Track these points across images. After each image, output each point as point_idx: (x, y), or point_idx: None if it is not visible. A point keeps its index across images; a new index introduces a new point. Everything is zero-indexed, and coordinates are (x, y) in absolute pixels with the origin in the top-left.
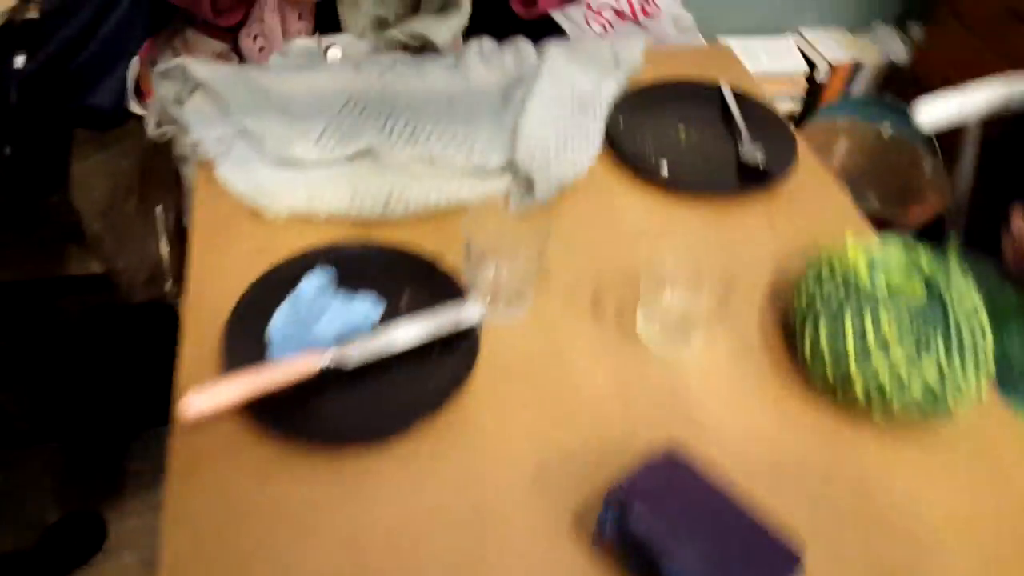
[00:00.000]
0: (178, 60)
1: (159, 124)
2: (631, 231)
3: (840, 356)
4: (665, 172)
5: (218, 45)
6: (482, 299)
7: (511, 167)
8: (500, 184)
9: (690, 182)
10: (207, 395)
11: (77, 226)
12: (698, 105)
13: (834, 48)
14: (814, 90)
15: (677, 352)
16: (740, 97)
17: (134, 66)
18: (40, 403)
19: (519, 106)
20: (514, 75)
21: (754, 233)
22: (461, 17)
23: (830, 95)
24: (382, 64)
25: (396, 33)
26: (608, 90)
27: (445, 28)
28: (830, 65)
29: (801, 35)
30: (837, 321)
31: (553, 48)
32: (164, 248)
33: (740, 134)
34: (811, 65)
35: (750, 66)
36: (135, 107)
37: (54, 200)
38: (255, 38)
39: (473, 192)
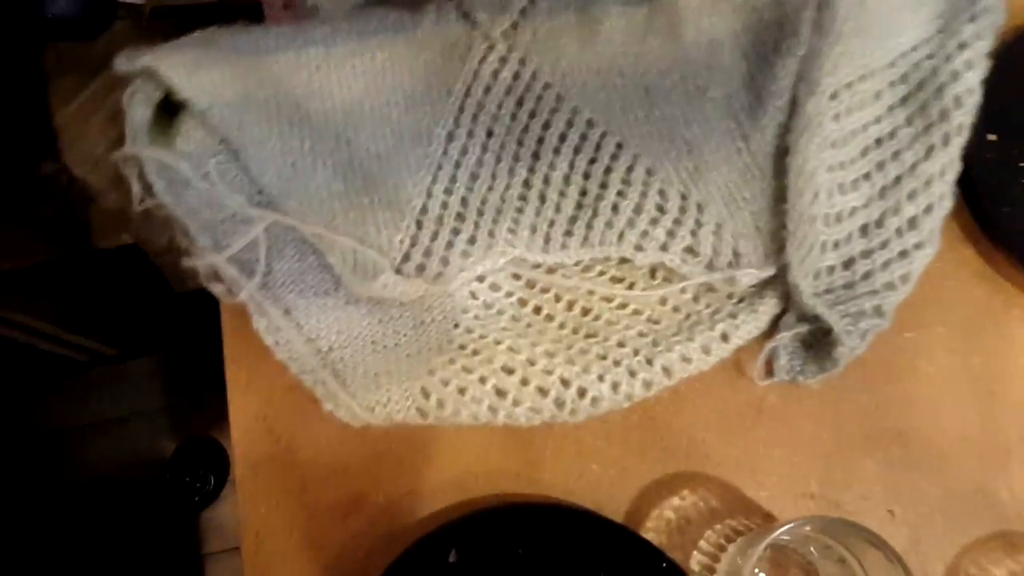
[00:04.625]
0: (148, 59)
1: (146, 187)
2: None
3: None
4: None
5: None
6: None
7: (778, 284)
8: (750, 330)
9: None
10: None
11: (89, 195)
12: None
13: None
14: None
15: None
16: None
17: None
18: (126, 324)
19: (782, 115)
20: (771, 16)
21: None
22: None
23: None
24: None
25: None
26: (974, 57)
27: None
28: None
29: None
30: None
31: None
32: None
33: None
34: None
35: None
36: None
37: (46, 171)
38: None
39: (702, 360)
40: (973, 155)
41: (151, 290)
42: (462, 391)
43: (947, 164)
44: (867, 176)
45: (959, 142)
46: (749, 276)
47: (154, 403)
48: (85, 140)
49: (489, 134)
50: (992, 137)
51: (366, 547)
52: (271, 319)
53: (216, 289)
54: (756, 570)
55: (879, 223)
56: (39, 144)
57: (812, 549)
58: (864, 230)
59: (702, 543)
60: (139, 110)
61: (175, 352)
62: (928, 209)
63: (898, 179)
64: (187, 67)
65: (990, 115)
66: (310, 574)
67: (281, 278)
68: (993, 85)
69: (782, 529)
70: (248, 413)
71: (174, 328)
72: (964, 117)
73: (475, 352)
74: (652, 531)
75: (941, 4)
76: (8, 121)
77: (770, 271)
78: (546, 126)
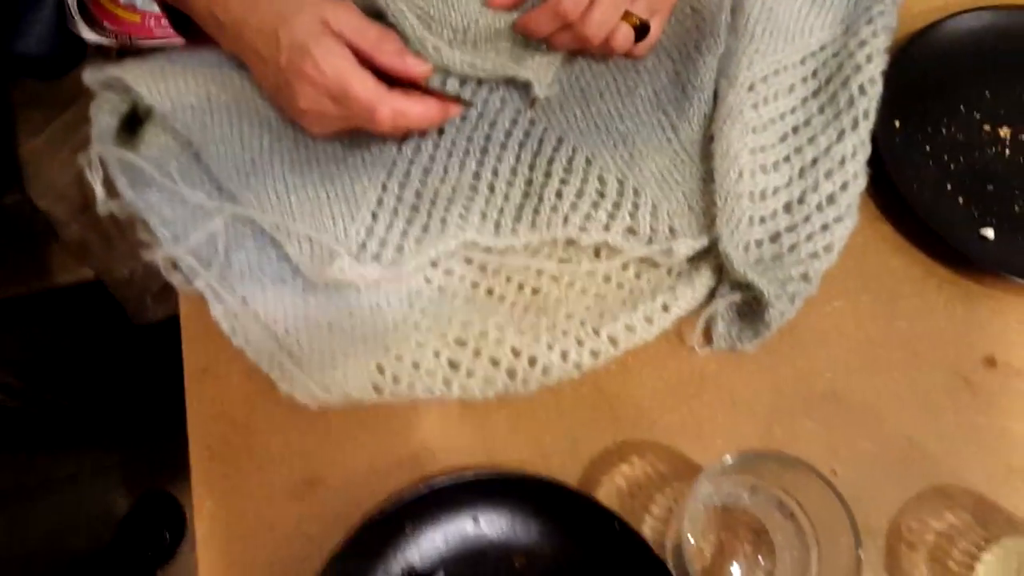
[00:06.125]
0: (115, 70)
1: (109, 192)
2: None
3: None
4: (991, 236)
5: None
6: None
7: (712, 258)
8: (688, 300)
9: None
10: None
11: (51, 227)
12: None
13: None
14: None
15: None
16: None
17: None
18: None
19: (707, 106)
20: (691, 23)
21: None
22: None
23: None
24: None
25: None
26: (873, 52)
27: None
28: None
29: None
30: None
31: None
32: None
33: None
34: None
35: None
36: (87, 34)
37: (9, 201)
38: None
39: (645, 329)
40: (882, 140)
41: (108, 330)
42: (416, 365)
43: (857, 145)
44: (787, 159)
45: (866, 126)
46: (685, 246)
47: (108, 459)
48: (50, 172)
49: (440, 132)
50: (897, 124)
51: (321, 526)
52: (228, 305)
53: (175, 279)
54: (703, 530)
55: (801, 200)
56: (3, 175)
57: (760, 498)
58: (788, 207)
59: (653, 507)
60: (105, 118)
61: (130, 406)
62: (844, 186)
63: (815, 160)
64: (152, 76)
65: (895, 105)
66: (263, 555)
67: (239, 268)
68: (895, 80)
69: (712, 468)
70: (204, 399)
71: (130, 377)
72: (869, 103)
73: (429, 328)
74: (604, 498)
75: (842, 11)
76: None
77: (704, 241)
78: (492, 125)
